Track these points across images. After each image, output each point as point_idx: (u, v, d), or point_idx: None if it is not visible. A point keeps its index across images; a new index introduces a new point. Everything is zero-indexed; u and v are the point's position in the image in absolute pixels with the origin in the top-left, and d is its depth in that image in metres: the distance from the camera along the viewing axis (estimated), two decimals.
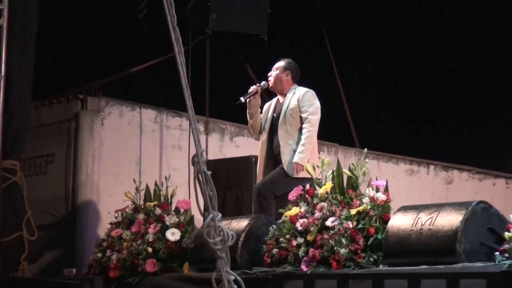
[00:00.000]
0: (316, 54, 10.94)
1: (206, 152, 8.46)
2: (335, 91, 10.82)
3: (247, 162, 7.31)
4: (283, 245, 5.48)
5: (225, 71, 9.86)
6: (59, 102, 8.24)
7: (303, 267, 5.29)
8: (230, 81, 10.06)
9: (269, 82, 6.66)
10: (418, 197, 9.50)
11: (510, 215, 4.42)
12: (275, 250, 5.51)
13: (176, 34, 3.10)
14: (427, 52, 11.14)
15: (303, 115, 6.45)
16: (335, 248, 5.15)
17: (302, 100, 6.48)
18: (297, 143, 6.41)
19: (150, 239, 6.33)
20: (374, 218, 5.20)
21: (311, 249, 5.28)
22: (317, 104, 6.49)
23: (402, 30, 11.20)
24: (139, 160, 8.27)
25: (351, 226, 5.19)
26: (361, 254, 5.10)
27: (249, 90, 6.56)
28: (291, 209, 5.62)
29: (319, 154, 7.31)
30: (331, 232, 5.25)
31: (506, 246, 4.33)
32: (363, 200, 5.31)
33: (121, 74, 9.01)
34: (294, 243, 5.41)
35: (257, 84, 6.65)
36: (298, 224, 5.47)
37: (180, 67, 3.09)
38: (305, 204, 5.60)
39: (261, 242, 5.68)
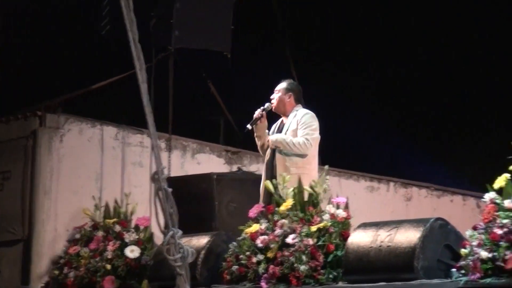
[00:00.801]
0: (280, 71, 11.00)
1: (168, 169, 8.45)
2: None
3: (208, 179, 7.31)
4: (243, 262, 5.50)
5: (188, 88, 9.87)
6: (16, 119, 8.18)
7: (263, 284, 5.30)
8: (193, 98, 10.07)
9: (272, 105, 6.59)
10: (378, 214, 9.56)
11: (466, 232, 4.49)
12: (234, 267, 5.52)
13: (138, 51, 3.12)
14: (384, 67, 11.25)
15: (301, 135, 6.37)
16: (295, 265, 5.18)
17: (301, 122, 6.43)
18: (294, 167, 6.32)
19: (109, 256, 6.29)
20: (334, 235, 5.25)
21: (271, 266, 5.30)
22: (315, 125, 6.44)
23: (363, 49, 11.33)
24: (100, 177, 8.23)
25: (311, 243, 5.23)
26: (321, 271, 5.13)
27: (254, 116, 6.48)
28: (251, 226, 5.65)
29: None
30: (291, 249, 5.28)
31: (462, 262, 4.40)
32: (324, 217, 5.35)
33: (82, 90, 8.97)
34: (254, 260, 5.43)
35: (261, 108, 6.54)
36: (258, 241, 5.49)
37: (141, 84, 3.10)
38: (266, 221, 5.62)
39: (221, 259, 5.69)
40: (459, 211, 10.23)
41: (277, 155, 6.38)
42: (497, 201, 4.42)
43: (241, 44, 9.82)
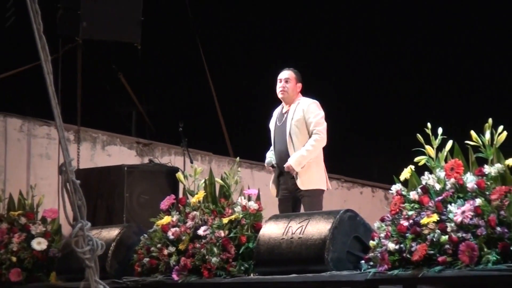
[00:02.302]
0: (191, 61, 10.97)
1: (77, 161, 8.33)
2: (210, 100, 10.88)
3: (119, 171, 7.24)
4: (154, 254, 5.47)
5: (97, 79, 9.74)
6: None
7: (174, 276, 5.29)
8: (103, 90, 9.94)
9: (281, 94, 6.43)
10: None
11: (374, 224, 4.57)
12: (145, 259, 5.49)
13: (42, 42, 3.05)
14: (298, 57, 11.36)
15: (310, 128, 6.30)
16: (206, 257, 5.18)
17: (308, 112, 6.33)
18: None
19: (14, 249, 6.19)
20: (246, 227, 5.27)
21: (183, 258, 5.29)
22: (322, 114, 6.36)
23: (274, 35, 11.41)
24: (3, 169, 8.04)
25: (223, 235, 5.24)
26: (233, 263, 5.15)
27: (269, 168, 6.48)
28: (162, 218, 5.62)
29: (191, 163, 7.35)
30: (203, 241, 5.28)
31: (371, 254, 4.47)
32: (235, 209, 5.36)
33: None
34: (166, 252, 5.41)
35: (271, 166, 6.45)
36: (169, 233, 5.47)
37: (47, 76, 3.04)
38: (177, 213, 5.61)
39: (132, 251, 5.65)
40: (369, 203, 10.44)
41: (290, 146, 6.28)
42: (403, 192, 4.51)
43: (152, 34, 9.75)
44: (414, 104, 11.06)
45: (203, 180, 5.65)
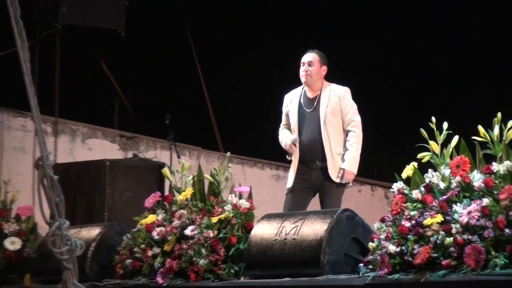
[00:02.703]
0: (179, 50, 10.95)
1: (55, 155, 8.32)
2: (199, 91, 10.88)
3: (101, 166, 7.23)
4: (137, 255, 5.45)
5: (77, 68, 9.71)
6: None
7: (159, 279, 5.28)
8: (84, 79, 9.92)
9: (305, 78, 6.35)
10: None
11: (374, 224, 4.56)
12: (128, 261, 5.48)
13: (19, 27, 3.03)
14: (294, 47, 11.37)
15: (348, 117, 6.28)
16: (193, 258, 5.17)
17: (344, 100, 6.31)
18: (339, 146, 6.26)
19: None
20: (236, 227, 5.26)
21: (168, 260, 5.28)
22: (355, 105, 6.38)
23: (266, 27, 11.40)
24: None
25: (211, 235, 5.22)
26: (222, 265, 5.13)
27: (288, 148, 6.36)
28: (147, 217, 5.61)
29: (179, 158, 7.34)
30: (190, 241, 5.26)
31: (370, 257, 4.45)
32: (225, 208, 5.35)
33: None
34: (150, 253, 5.40)
35: (291, 141, 6.34)
36: (154, 233, 5.45)
37: (24, 63, 3.01)
38: (163, 211, 5.59)
39: (114, 252, 5.63)
40: (367, 202, 10.46)
41: (324, 135, 6.25)
42: (405, 191, 4.51)
43: (137, 20, 9.72)
44: (417, 97, 11.08)
45: (191, 177, 5.64)
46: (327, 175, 6.25)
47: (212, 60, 11.19)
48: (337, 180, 6.23)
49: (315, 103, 6.36)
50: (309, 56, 6.42)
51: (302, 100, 6.43)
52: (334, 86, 6.41)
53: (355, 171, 6.31)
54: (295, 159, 6.37)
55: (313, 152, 6.28)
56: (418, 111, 9.81)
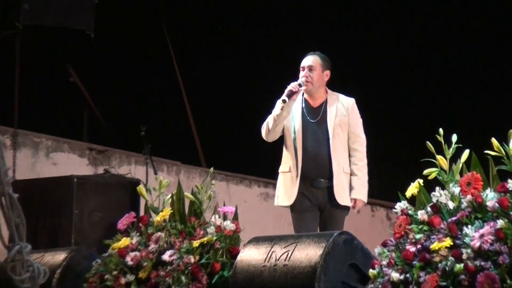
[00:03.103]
0: (155, 53, 10.97)
1: (14, 170, 8.30)
2: (178, 99, 10.89)
3: (67, 183, 7.23)
4: (108, 283, 5.44)
5: (40, 73, 9.70)
6: None
7: None
8: (48, 86, 9.90)
9: (305, 84, 6.24)
10: (273, 226, 9.69)
11: (375, 249, 4.56)
12: None
13: None
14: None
15: (355, 132, 6.26)
16: (172, 287, 5.16)
17: (353, 113, 6.29)
18: (346, 164, 6.22)
19: None
20: (220, 252, 5.26)
21: None
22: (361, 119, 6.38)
23: (255, 32, 11.44)
24: None
25: (192, 261, 5.22)
26: None
27: (290, 89, 6.13)
28: (119, 240, 5.60)
29: (156, 175, 7.33)
30: (169, 268, 5.26)
31: (370, 286, 4.45)
32: (208, 230, 5.36)
33: None
34: (123, 281, 5.40)
35: (297, 82, 6.17)
36: (128, 258, 5.45)
37: None
38: (138, 234, 5.59)
39: (82, 279, 5.63)
40: (367, 224, 10.47)
41: (333, 149, 6.20)
42: (410, 212, 4.51)
43: (107, 20, 9.73)
44: (422, 106, 11.12)
45: (169, 195, 5.64)
46: (333, 197, 6.20)
47: (193, 63, 11.21)
48: (342, 203, 6.20)
49: (321, 113, 6.30)
50: (310, 60, 6.34)
51: (306, 109, 6.35)
52: (340, 96, 6.38)
53: (366, 200, 6.32)
54: (293, 173, 6.28)
55: (319, 169, 6.20)
56: (424, 122, 9.85)
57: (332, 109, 6.29)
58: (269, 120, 6.26)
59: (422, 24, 11.27)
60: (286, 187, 6.29)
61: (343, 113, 6.28)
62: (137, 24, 10.94)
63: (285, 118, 6.21)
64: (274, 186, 10.35)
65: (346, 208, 6.26)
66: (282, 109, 6.14)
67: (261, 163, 10.86)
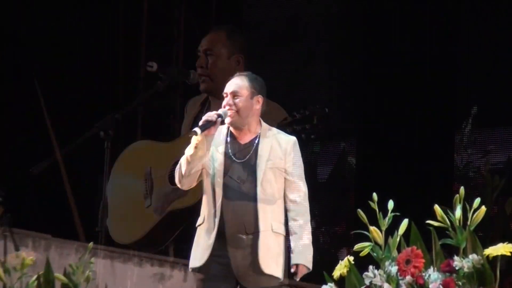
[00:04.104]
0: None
1: None
2: (47, 146, 10.84)
3: None
4: None
5: None
6: None
7: None
8: None
9: (230, 117, 5.96)
10: None
11: None
12: None
13: None
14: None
15: (293, 179, 5.98)
16: None
17: (292, 154, 6.00)
18: (277, 222, 5.94)
19: None
20: None
21: None
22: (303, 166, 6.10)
23: None
24: None
25: None
26: None
27: (206, 119, 5.87)
28: None
29: (17, 251, 7.33)
30: None
31: None
32: None
33: None
34: None
35: (217, 113, 5.93)
36: None
37: None
38: None
39: None
40: None
41: (260, 202, 6.00)
42: None
43: None
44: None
45: (35, 276, 5.63)
46: (257, 263, 5.94)
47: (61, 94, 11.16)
48: (267, 271, 5.89)
49: (251, 152, 6.10)
50: (233, 84, 6.08)
51: (229, 144, 6.17)
52: (278, 132, 6.17)
53: (311, 266, 5.89)
54: (209, 224, 6.05)
55: (240, 224, 5.97)
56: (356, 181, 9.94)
57: (265, 148, 6.08)
58: (182, 161, 6.02)
59: None
60: (198, 244, 6.06)
61: (279, 156, 6.06)
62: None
63: (201, 158, 5.99)
64: (171, 265, 10.40)
65: (274, 279, 5.95)
66: (196, 147, 5.95)
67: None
